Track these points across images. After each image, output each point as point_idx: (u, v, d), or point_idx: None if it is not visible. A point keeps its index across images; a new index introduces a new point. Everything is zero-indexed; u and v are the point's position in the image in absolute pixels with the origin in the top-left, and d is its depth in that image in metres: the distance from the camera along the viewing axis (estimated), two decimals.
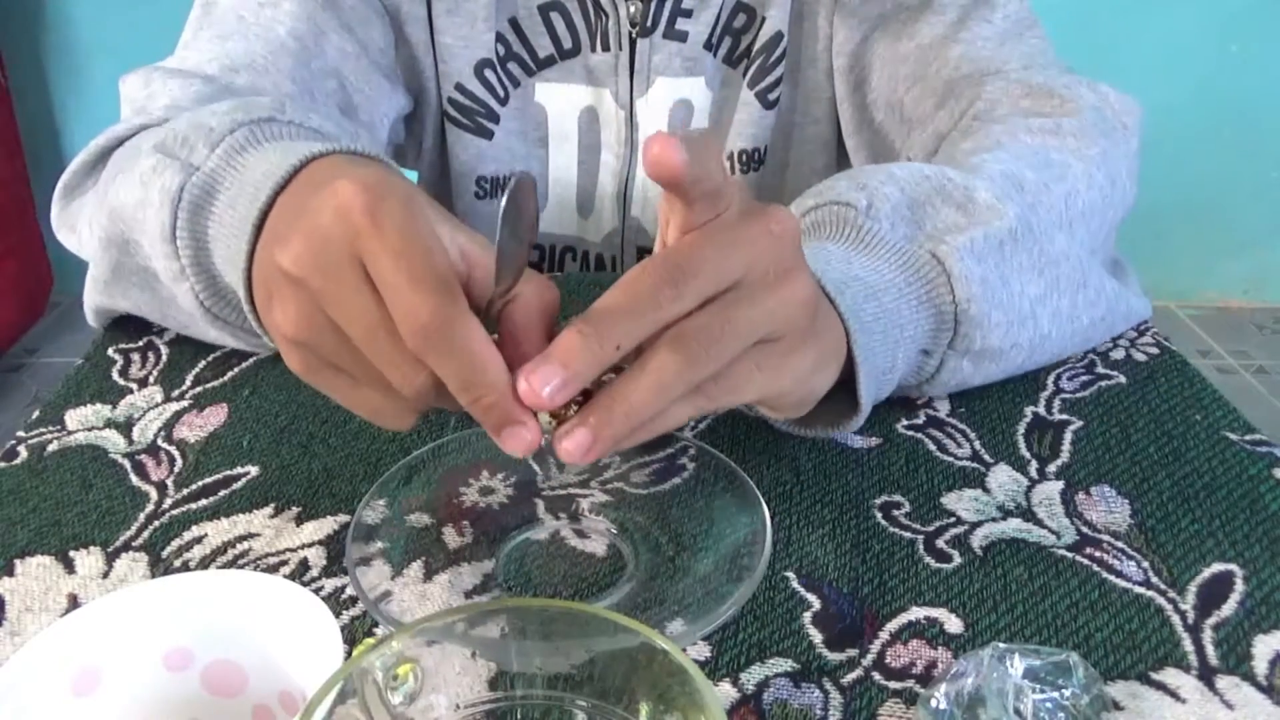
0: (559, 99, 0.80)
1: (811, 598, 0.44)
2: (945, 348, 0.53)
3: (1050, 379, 0.60)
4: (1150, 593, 0.44)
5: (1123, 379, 0.60)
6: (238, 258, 0.46)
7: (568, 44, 0.78)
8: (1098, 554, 0.47)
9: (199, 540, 0.48)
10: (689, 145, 0.36)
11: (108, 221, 0.55)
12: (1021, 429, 0.56)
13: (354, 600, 0.44)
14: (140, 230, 0.53)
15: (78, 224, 0.61)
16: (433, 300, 0.36)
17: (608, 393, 0.38)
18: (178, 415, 0.58)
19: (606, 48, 0.78)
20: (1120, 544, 0.47)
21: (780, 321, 0.40)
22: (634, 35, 0.77)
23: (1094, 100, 0.66)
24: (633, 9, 0.76)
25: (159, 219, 0.51)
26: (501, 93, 0.79)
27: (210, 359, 0.63)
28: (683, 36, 0.78)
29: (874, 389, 0.49)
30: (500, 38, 0.77)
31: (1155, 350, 0.63)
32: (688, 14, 0.77)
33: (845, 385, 0.49)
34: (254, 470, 0.53)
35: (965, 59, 0.72)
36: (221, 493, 0.51)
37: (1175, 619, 0.43)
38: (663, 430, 0.40)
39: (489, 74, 0.78)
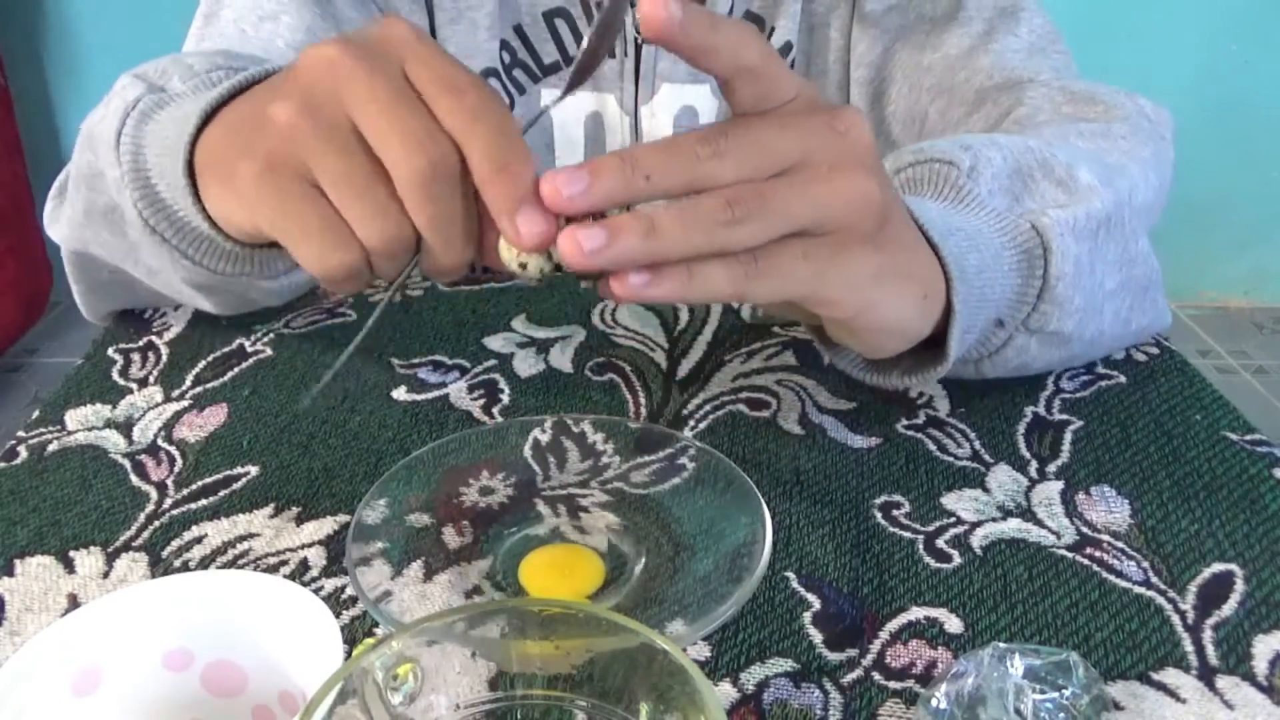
0: (564, 106, 0.80)
1: (811, 598, 0.44)
2: (1019, 322, 0.51)
3: (1050, 379, 0.60)
4: (1150, 593, 0.44)
5: (1123, 379, 0.60)
6: (182, 133, 0.45)
7: (573, 51, 0.78)
8: (1098, 554, 0.47)
9: (199, 540, 0.48)
10: (709, 17, 0.35)
11: (78, 152, 0.55)
12: (1021, 429, 0.56)
13: (354, 600, 0.44)
14: (97, 146, 0.53)
15: (61, 217, 0.62)
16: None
17: (633, 211, 0.36)
18: (178, 415, 0.58)
19: (612, 54, 0.78)
20: (1120, 544, 0.47)
21: (828, 213, 0.38)
22: (640, 41, 0.77)
23: (1133, 108, 0.66)
24: (639, 15, 0.76)
25: (110, 127, 0.51)
26: (506, 100, 0.79)
27: (210, 359, 0.63)
28: None
29: (961, 344, 0.48)
30: (505, 45, 0.77)
31: (1155, 350, 0.63)
32: None
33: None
34: (254, 470, 0.53)
35: (996, 69, 0.72)
36: (221, 493, 0.51)
37: (1175, 619, 0.43)
38: (696, 295, 0.38)
39: (494, 82, 0.78)
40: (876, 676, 0.40)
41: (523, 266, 0.38)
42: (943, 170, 0.51)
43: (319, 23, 0.70)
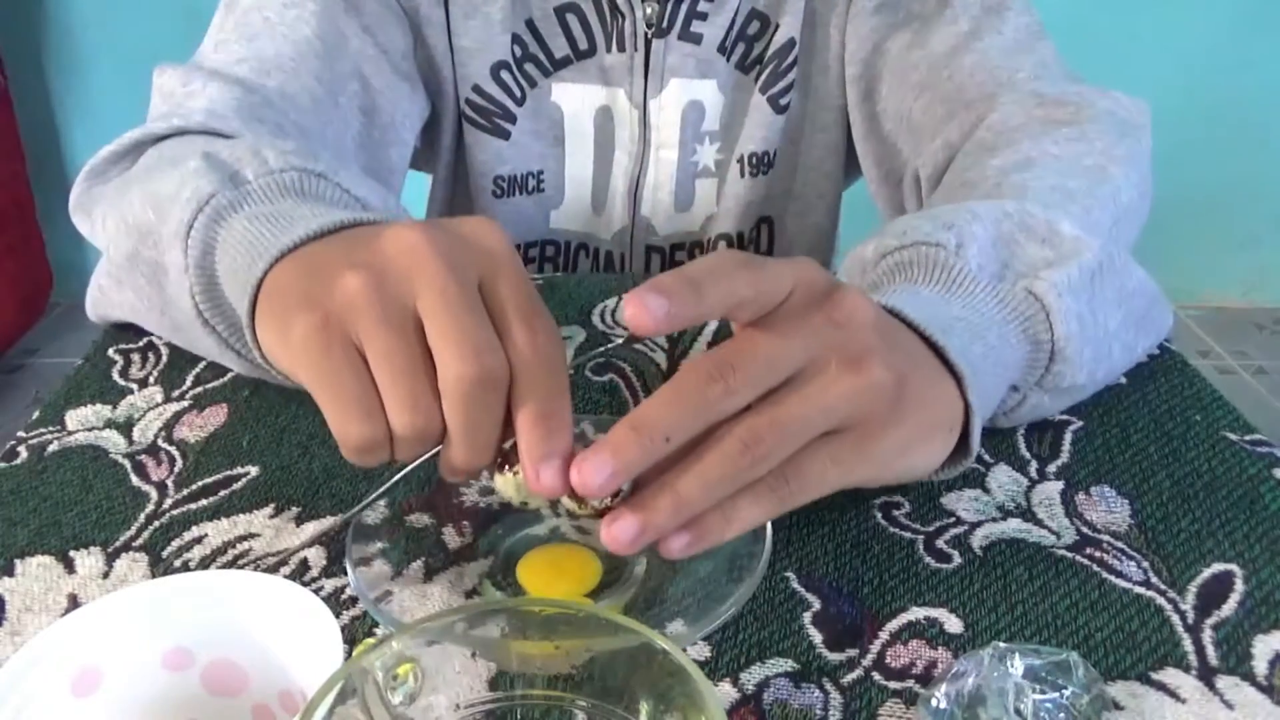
0: (574, 99, 0.81)
1: (811, 598, 0.44)
2: (1033, 384, 0.51)
3: None
4: (1150, 593, 0.44)
5: (1123, 379, 0.60)
6: (254, 265, 0.46)
7: (583, 45, 0.79)
8: (1098, 554, 0.47)
9: (199, 540, 0.48)
10: (692, 290, 0.36)
11: (139, 206, 0.55)
12: (1021, 429, 0.55)
13: (354, 600, 0.44)
14: (162, 220, 0.53)
15: (93, 210, 0.61)
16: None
17: (657, 482, 0.37)
18: (178, 415, 0.58)
19: (622, 48, 0.79)
20: (1120, 544, 0.47)
21: (846, 412, 0.39)
22: (649, 36, 0.78)
23: (1108, 105, 0.66)
24: (649, 10, 0.77)
25: (181, 216, 0.51)
26: (518, 93, 0.80)
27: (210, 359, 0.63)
28: (697, 39, 0.78)
29: (980, 430, 0.47)
30: (517, 39, 0.78)
31: (1155, 350, 0.63)
32: (703, 17, 0.78)
33: None
34: (254, 470, 0.53)
35: (978, 68, 0.72)
36: (221, 493, 0.51)
37: (1175, 619, 0.43)
38: (737, 531, 0.39)
39: (505, 75, 0.78)
40: (876, 676, 0.40)
41: (524, 504, 0.40)
42: (930, 253, 0.51)
43: (343, 14, 0.70)
